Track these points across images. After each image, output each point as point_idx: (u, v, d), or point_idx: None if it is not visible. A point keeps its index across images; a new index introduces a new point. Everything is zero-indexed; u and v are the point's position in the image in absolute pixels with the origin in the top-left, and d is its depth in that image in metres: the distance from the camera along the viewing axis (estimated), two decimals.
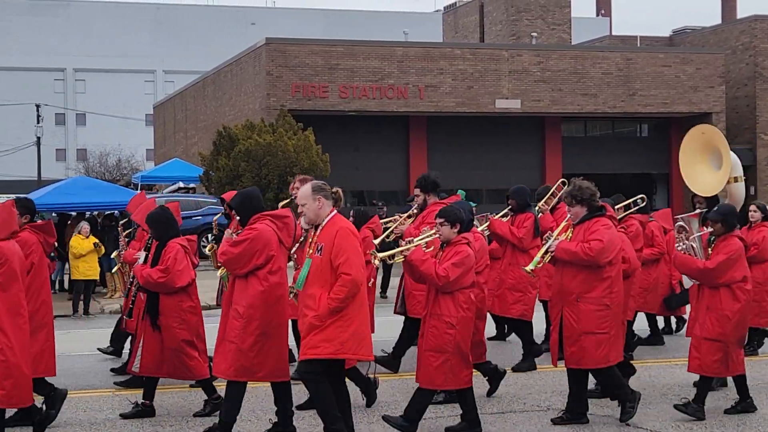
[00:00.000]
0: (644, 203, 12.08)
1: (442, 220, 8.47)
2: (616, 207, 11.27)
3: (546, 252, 8.90)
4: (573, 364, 8.72)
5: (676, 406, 9.13)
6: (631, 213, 11.94)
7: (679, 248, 9.39)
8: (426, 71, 34.33)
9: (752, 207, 12.62)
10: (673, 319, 14.49)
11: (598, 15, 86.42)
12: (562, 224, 9.28)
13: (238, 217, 8.68)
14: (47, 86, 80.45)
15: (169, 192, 33.82)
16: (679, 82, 36.70)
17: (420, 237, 8.81)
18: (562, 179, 12.15)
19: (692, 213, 9.88)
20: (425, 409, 8.54)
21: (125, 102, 79.81)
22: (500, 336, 13.58)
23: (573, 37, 45.07)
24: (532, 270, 9.13)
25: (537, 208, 12.17)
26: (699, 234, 9.35)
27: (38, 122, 63.26)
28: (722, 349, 8.98)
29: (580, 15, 70.89)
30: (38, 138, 62.17)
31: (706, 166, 11.03)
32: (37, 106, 64.77)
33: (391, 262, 8.70)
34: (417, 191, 10.86)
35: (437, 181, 10.93)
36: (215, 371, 8.51)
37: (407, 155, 36.11)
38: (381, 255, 8.69)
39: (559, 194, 11.86)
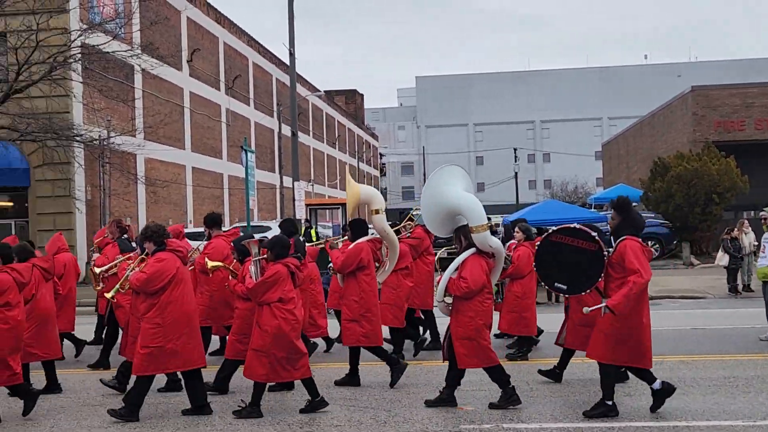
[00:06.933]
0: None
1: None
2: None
3: (126, 279, 9.34)
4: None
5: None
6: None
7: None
8: None
9: (516, 228, 12.35)
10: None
11: None
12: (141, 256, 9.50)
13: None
14: (521, 134, 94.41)
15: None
16: None
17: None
18: None
19: (254, 239, 9.49)
20: None
21: (579, 143, 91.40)
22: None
23: None
24: (113, 296, 9.64)
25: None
26: (259, 258, 8.94)
27: (515, 161, 73.19)
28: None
29: None
30: (516, 173, 71.50)
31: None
32: (515, 149, 75.44)
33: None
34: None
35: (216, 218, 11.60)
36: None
37: None
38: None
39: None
